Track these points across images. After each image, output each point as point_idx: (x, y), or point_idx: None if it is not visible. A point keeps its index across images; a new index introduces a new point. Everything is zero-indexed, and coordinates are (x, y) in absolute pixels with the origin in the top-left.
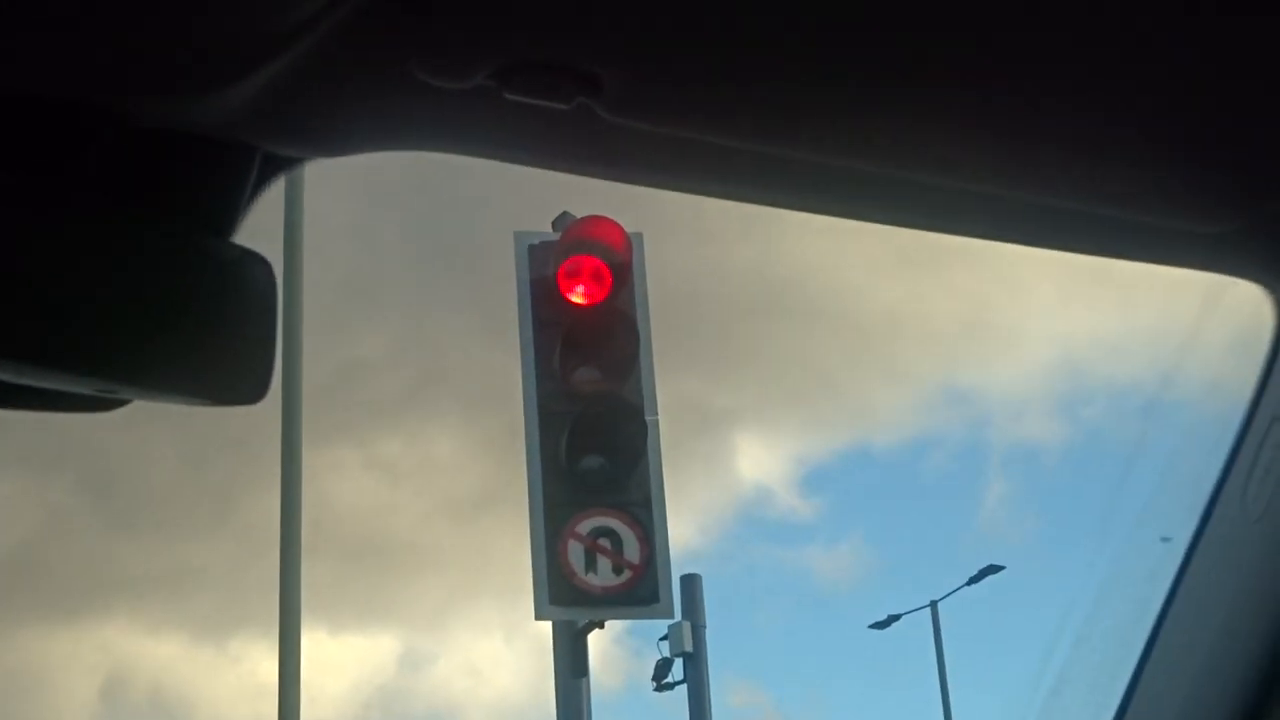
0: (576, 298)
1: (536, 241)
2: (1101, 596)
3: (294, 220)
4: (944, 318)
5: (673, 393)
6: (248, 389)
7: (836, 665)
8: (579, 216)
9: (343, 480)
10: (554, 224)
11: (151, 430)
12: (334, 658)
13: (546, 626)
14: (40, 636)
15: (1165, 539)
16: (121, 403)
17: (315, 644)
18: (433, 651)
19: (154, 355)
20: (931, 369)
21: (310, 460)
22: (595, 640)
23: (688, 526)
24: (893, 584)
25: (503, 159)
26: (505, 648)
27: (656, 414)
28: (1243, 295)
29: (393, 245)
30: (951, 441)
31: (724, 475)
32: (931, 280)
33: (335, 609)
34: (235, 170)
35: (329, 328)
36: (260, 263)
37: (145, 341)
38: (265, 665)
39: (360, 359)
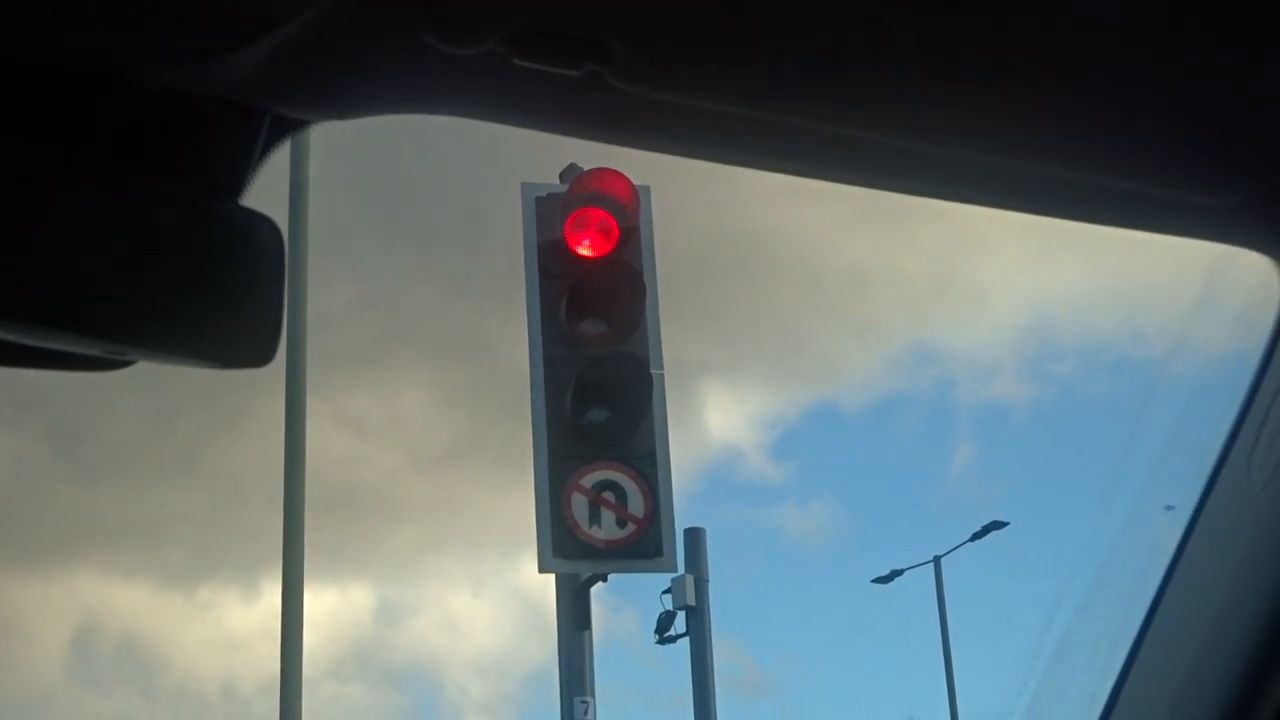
0: (583, 250)
1: (544, 194)
2: (1105, 564)
3: (299, 181)
4: (912, 275)
5: None
6: (255, 351)
7: (811, 622)
8: (585, 169)
9: (310, 432)
10: (561, 176)
11: (116, 382)
12: (307, 611)
13: (522, 579)
14: (10, 584)
15: (1169, 507)
16: (128, 363)
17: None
18: (409, 605)
19: (162, 317)
20: (900, 326)
21: (274, 411)
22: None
23: None
24: (869, 544)
25: (512, 124)
26: (479, 601)
27: (662, 368)
28: (1250, 266)
29: (361, 203)
30: (920, 400)
31: (692, 432)
32: (899, 238)
33: (307, 562)
34: (244, 132)
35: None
36: (268, 225)
37: (153, 303)
38: (233, 613)
39: (322, 313)
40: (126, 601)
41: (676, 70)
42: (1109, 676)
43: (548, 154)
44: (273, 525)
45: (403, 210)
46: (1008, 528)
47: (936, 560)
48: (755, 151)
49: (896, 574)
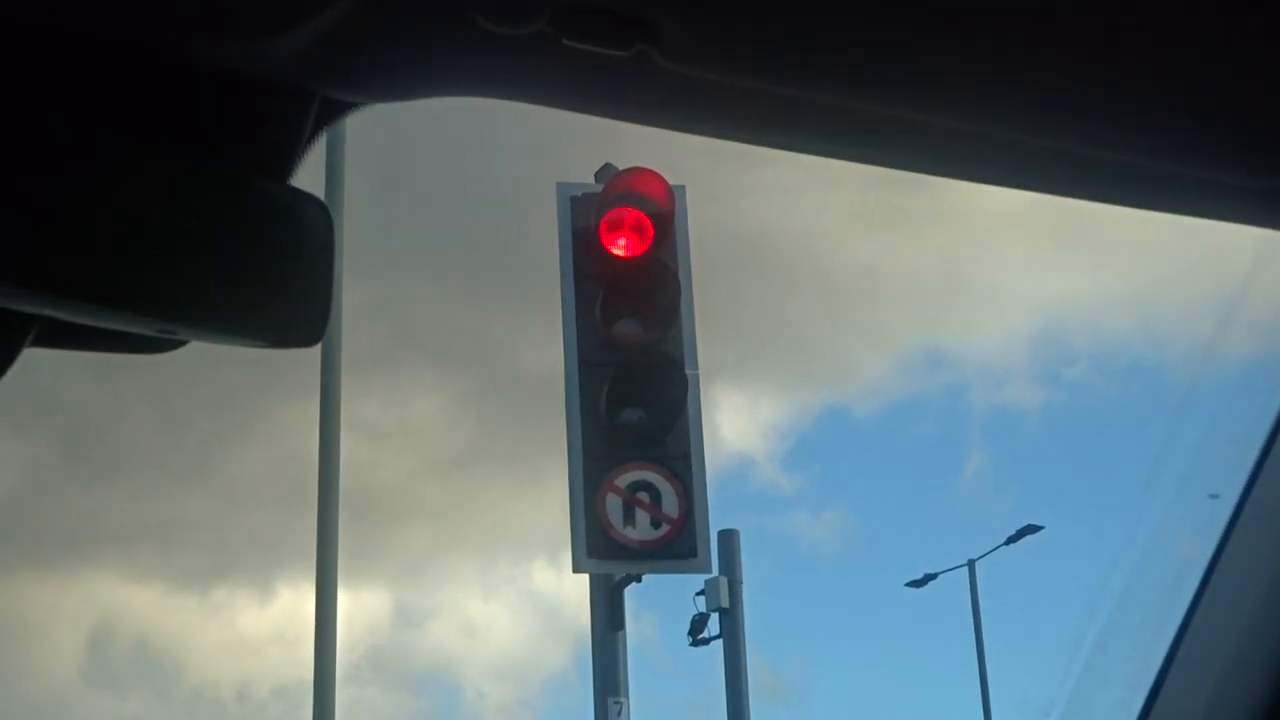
0: (618, 250)
1: (579, 193)
2: (1147, 553)
3: (335, 164)
4: (923, 276)
5: None
6: (304, 331)
7: (829, 629)
8: (620, 168)
9: (315, 435)
10: (596, 175)
11: (124, 385)
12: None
13: (538, 583)
14: (25, 586)
15: (1213, 496)
16: (180, 343)
17: (302, 599)
18: (425, 609)
19: (213, 296)
20: (911, 328)
21: (284, 415)
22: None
23: None
24: (885, 551)
25: (556, 105)
26: (496, 604)
27: (697, 368)
28: None
29: (369, 199)
30: (933, 405)
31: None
32: (909, 237)
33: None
34: (293, 115)
35: None
36: (318, 206)
37: (204, 282)
38: (247, 615)
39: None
40: (141, 603)
41: (727, 49)
42: (1152, 666)
43: (565, 149)
44: (285, 528)
45: (414, 208)
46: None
47: (971, 564)
48: (804, 134)
49: (930, 578)
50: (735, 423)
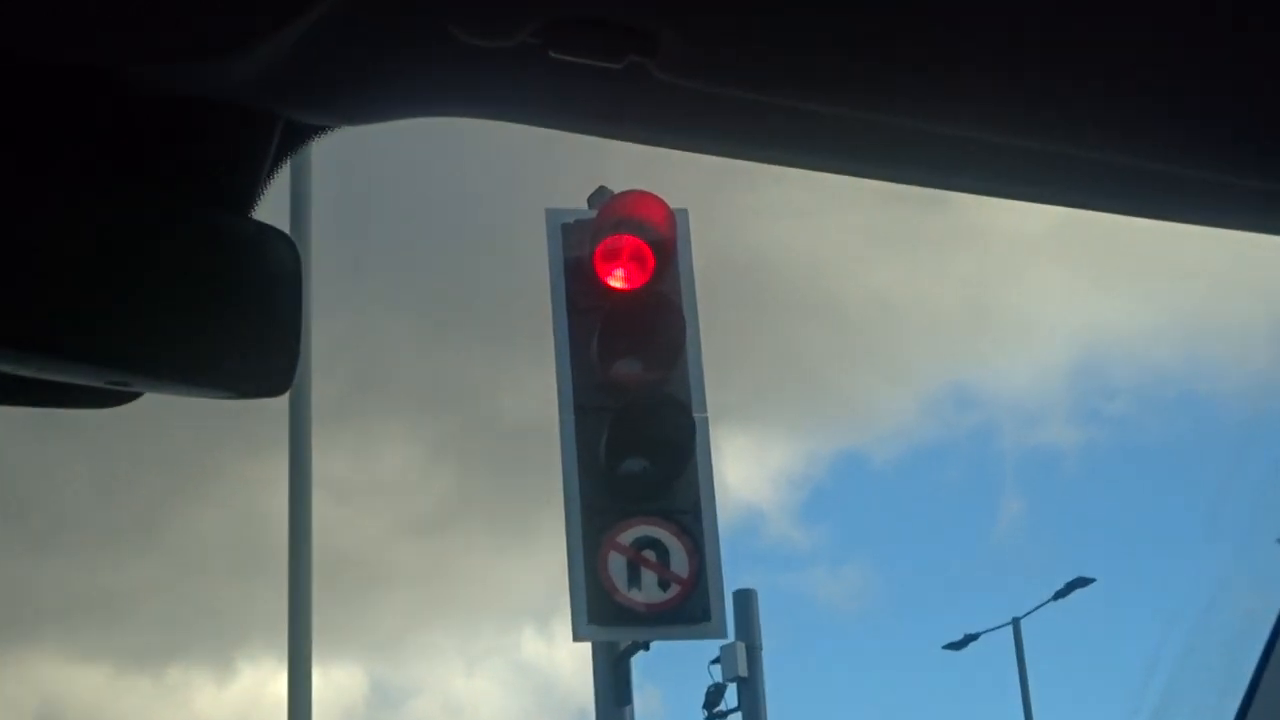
0: (615, 281)
1: (571, 220)
2: (1209, 606)
3: (301, 194)
4: (944, 307)
5: None
6: (270, 379)
7: (862, 700)
8: (615, 191)
9: (280, 494)
10: (590, 200)
11: (64, 441)
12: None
13: (526, 654)
14: None
15: None
16: (133, 396)
17: (266, 677)
18: (405, 686)
19: (169, 343)
20: (934, 364)
21: (244, 471)
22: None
23: None
24: (921, 608)
25: (545, 124)
26: (481, 679)
27: (705, 411)
28: None
29: (330, 228)
30: (960, 448)
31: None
32: (928, 263)
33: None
34: (255, 139)
35: None
36: (283, 240)
37: (159, 327)
38: (205, 695)
39: None
40: (87, 686)
41: (728, 60)
42: None
43: (554, 172)
44: (246, 598)
45: (386, 239)
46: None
47: (1015, 623)
48: (810, 149)
49: (971, 638)
50: (741, 470)
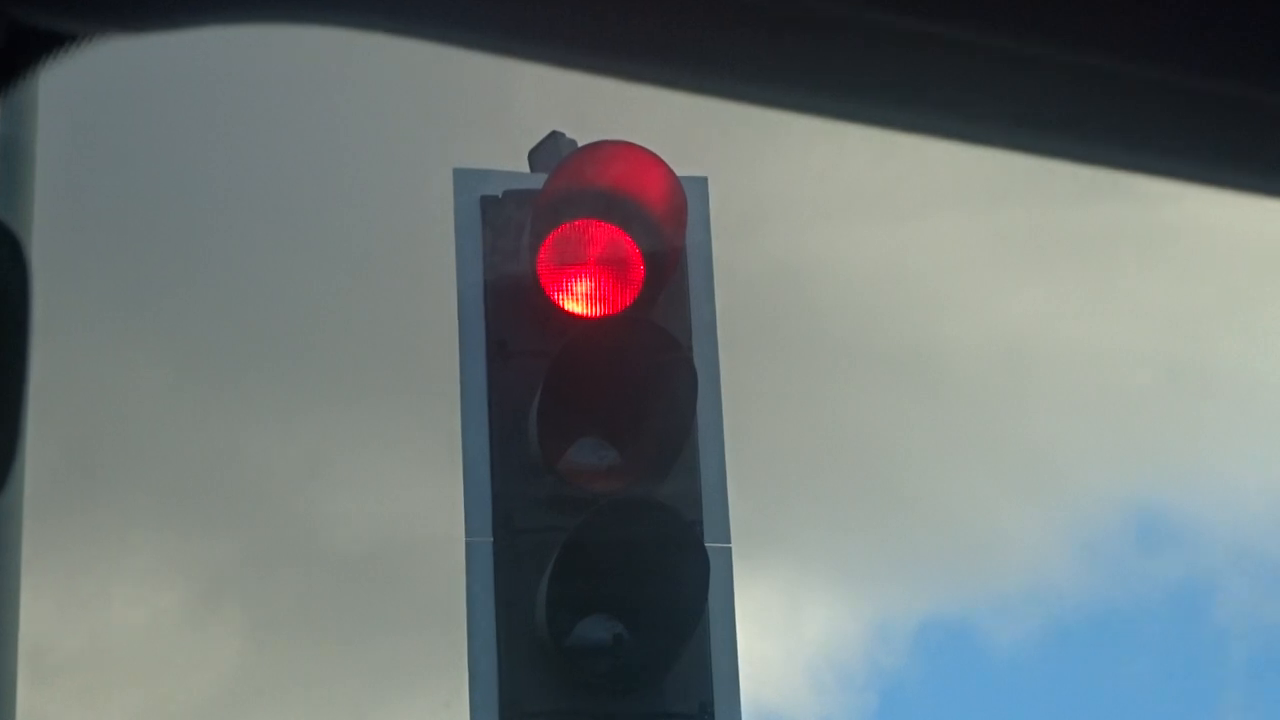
0: (574, 303)
1: (497, 192)
2: None
3: (18, 146)
4: (1120, 366)
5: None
6: None
7: None
8: (572, 142)
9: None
10: (533, 157)
11: None
12: None
13: None
14: None
15: None
16: None
17: None
18: None
19: None
20: (1103, 471)
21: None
22: None
23: None
24: None
25: (420, 36)
26: None
27: (729, 539)
28: None
29: (60, 205)
30: (1148, 616)
31: None
32: (1092, 293)
33: None
34: None
35: None
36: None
37: None
38: None
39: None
40: None
41: None
42: None
43: (460, 115)
44: None
45: (146, 225)
46: None
47: None
48: (800, 71)
49: None
50: (770, 648)
